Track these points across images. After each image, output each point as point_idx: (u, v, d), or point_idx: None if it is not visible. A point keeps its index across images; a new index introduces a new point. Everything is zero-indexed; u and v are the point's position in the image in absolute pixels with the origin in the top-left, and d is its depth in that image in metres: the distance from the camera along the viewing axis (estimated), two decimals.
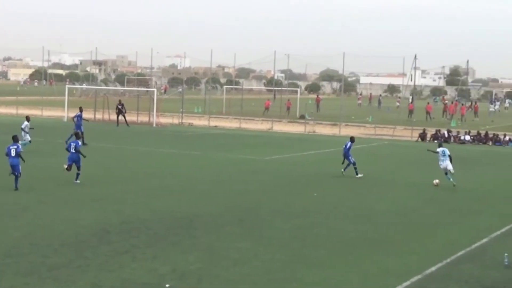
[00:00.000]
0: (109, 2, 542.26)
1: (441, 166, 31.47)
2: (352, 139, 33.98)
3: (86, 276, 15.52)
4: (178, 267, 16.46)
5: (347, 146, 33.19)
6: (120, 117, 60.77)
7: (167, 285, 15.04)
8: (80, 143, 29.72)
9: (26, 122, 39.38)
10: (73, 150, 28.66)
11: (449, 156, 31.42)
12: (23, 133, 38.52)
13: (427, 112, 79.07)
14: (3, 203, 23.77)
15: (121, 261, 16.79)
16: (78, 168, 28.59)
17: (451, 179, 31.18)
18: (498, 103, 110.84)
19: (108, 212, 22.75)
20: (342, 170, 33.15)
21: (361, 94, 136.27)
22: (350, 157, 33.10)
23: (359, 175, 32.84)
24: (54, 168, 31.76)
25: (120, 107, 60.81)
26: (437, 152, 31.56)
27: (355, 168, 32.96)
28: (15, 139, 27.26)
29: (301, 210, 24.38)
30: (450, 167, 31.22)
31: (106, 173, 31.15)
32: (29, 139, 38.75)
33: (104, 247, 18.08)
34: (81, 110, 45.56)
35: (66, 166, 28.91)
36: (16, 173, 26.31)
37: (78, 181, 28.40)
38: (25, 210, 22.80)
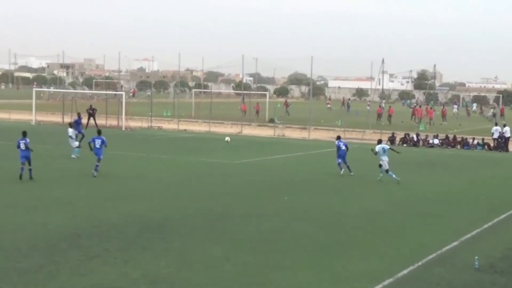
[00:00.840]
0: (77, 4, 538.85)
1: (383, 163, 32.18)
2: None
3: (57, 281, 15.38)
4: (150, 272, 16.37)
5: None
6: (91, 120, 60.49)
7: None
8: (105, 139, 32.44)
9: (70, 129, 39.62)
10: (98, 146, 31.90)
11: (390, 149, 32.80)
12: (69, 139, 39.04)
13: (389, 115, 79.96)
14: None
15: (92, 266, 16.65)
16: (98, 160, 31.63)
17: (394, 176, 31.91)
18: (456, 106, 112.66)
19: (78, 216, 22.56)
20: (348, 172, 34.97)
21: (330, 98, 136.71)
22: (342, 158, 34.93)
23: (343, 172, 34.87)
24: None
25: (91, 111, 60.77)
26: (377, 152, 32.29)
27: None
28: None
29: (272, 213, 24.36)
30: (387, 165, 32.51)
31: (75, 177, 30.88)
32: (77, 144, 39.04)
33: (74, 252, 17.92)
34: (79, 116, 46.54)
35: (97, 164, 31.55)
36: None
37: (96, 172, 31.33)
38: None
